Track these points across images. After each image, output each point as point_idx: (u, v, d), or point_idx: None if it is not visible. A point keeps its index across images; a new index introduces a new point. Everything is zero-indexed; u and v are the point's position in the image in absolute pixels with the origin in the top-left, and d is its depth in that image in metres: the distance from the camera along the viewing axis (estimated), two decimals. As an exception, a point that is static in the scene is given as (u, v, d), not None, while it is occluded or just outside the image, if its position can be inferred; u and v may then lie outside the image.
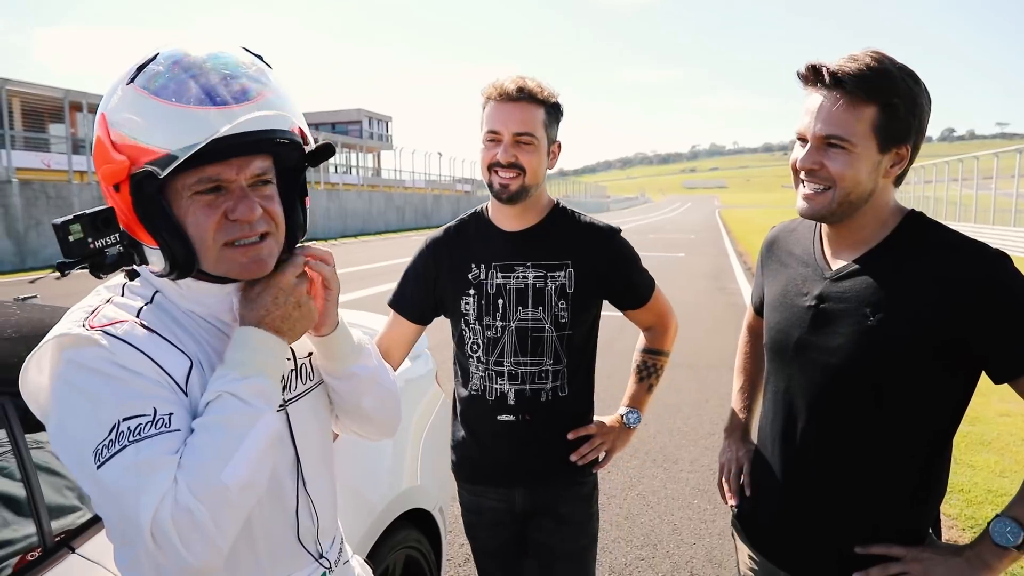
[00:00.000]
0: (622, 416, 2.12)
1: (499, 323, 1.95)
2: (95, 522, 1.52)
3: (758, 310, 1.84)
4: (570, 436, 2.03)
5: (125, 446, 0.95)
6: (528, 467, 2.02)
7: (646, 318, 2.14)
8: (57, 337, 1.03)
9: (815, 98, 1.42)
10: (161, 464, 0.95)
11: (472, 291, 1.97)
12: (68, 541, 1.47)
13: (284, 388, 1.21)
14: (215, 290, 1.14)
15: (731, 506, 1.81)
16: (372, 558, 2.12)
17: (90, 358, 1.00)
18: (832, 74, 1.38)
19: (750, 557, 1.73)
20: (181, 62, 1.04)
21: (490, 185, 1.90)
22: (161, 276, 1.10)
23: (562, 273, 1.94)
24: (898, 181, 1.49)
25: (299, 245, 1.21)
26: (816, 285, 1.54)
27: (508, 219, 1.99)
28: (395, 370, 2.08)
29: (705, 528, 3.98)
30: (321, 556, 1.29)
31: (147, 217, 1.04)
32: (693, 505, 4.28)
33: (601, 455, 2.09)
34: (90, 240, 1.02)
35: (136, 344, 1.03)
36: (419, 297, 2.07)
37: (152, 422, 0.97)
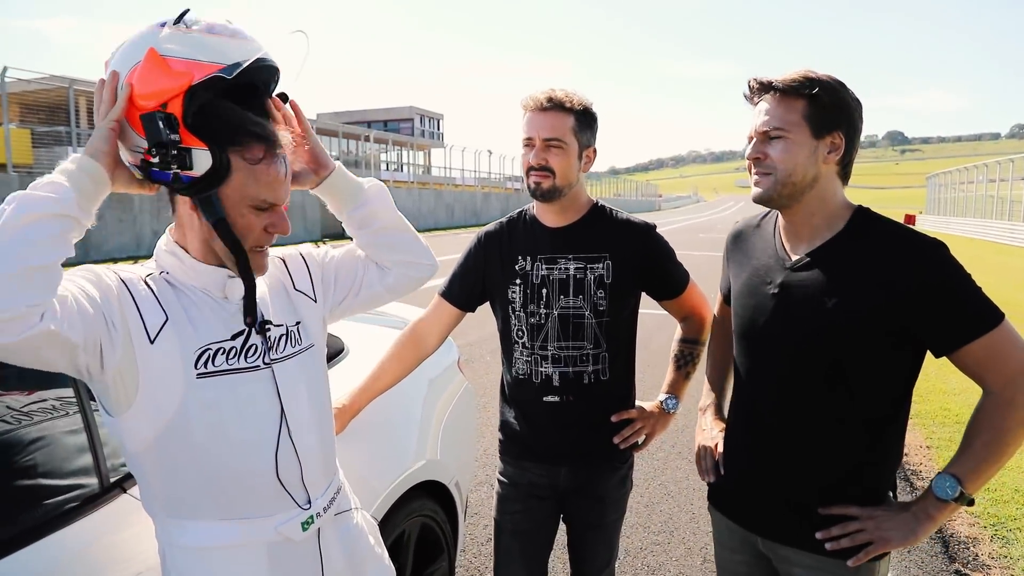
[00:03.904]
0: (661, 402, 2.27)
1: (543, 310, 2.15)
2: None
3: (727, 299, 1.99)
4: (613, 418, 2.18)
5: None
6: (573, 446, 2.19)
7: (681, 309, 2.30)
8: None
9: (758, 107, 1.65)
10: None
11: (519, 281, 2.18)
12: (122, 483, 1.70)
13: (271, 349, 1.45)
14: (210, 271, 1.39)
15: (707, 481, 1.95)
16: (389, 520, 2.33)
17: (100, 273, 1.31)
18: (767, 83, 1.62)
19: (727, 528, 1.88)
20: (209, 19, 1.30)
21: (528, 186, 2.11)
22: (197, 184, 1.29)
23: (601, 265, 2.13)
24: (845, 178, 1.68)
25: None
26: (778, 275, 1.71)
27: (551, 216, 2.19)
28: (432, 351, 2.32)
29: (722, 517, 4.08)
30: (309, 502, 1.48)
31: (197, 124, 1.25)
32: (713, 495, 4.38)
33: (641, 439, 2.26)
34: (167, 131, 1.24)
35: (132, 290, 1.32)
36: (469, 285, 2.29)
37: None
